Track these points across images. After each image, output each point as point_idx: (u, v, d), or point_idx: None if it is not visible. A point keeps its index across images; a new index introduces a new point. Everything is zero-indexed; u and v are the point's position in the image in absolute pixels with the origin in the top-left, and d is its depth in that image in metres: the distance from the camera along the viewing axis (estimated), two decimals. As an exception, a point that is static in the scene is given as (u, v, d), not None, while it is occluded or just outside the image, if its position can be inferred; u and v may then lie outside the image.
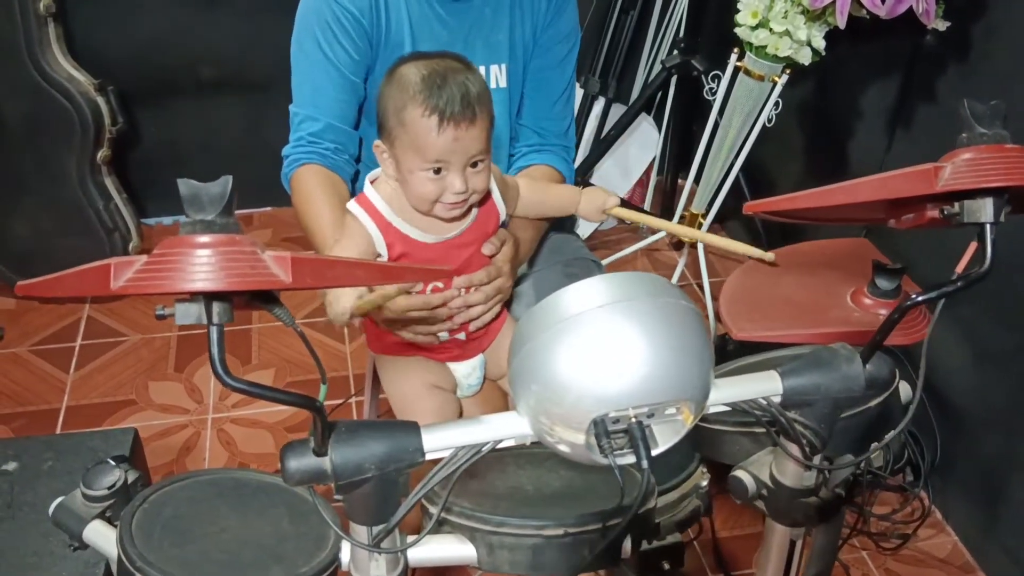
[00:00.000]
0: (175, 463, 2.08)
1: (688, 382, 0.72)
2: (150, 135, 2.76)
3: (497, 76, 1.61)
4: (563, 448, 0.74)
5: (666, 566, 1.06)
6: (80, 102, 2.36)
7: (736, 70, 2.14)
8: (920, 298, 0.78)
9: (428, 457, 0.75)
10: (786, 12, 1.96)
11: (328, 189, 1.52)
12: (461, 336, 1.43)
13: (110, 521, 1.02)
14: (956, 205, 0.77)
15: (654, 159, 2.86)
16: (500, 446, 0.77)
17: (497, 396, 1.55)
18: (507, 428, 0.76)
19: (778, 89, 2.09)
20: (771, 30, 2.00)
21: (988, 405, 1.85)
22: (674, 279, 2.61)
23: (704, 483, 1.06)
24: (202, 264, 0.60)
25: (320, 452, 0.72)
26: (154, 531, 0.99)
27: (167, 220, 2.94)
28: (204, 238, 0.61)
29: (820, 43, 1.99)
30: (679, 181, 2.85)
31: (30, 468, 1.34)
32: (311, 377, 2.34)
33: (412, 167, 1.24)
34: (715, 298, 2.41)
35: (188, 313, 0.62)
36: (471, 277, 1.36)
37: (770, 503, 0.90)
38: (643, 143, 2.85)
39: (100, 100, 2.40)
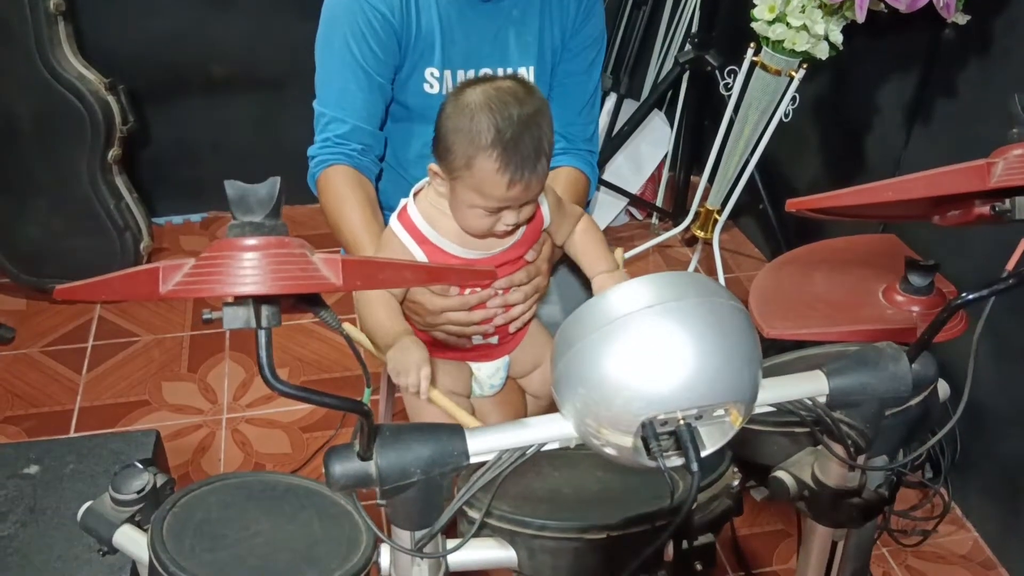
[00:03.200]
0: (190, 464, 2.07)
1: (738, 384, 0.70)
2: (160, 134, 2.75)
3: (526, 78, 1.59)
4: (610, 451, 0.73)
5: (698, 567, 1.05)
6: (91, 101, 2.34)
7: (752, 65, 2.13)
8: (971, 296, 0.77)
9: (472, 460, 0.73)
10: (803, 6, 1.95)
11: (356, 190, 1.51)
12: (494, 340, 1.42)
13: (139, 525, 1.01)
14: (1008, 202, 0.76)
15: (666, 155, 2.85)
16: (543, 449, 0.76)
17: (516, 396, 1.54)
18: (552, 431, 0.75)
19: (795, 84, 2.08)
20: (788, 24, 1.99)
21: (1009, 401, 1.84)
22: (687, 276, 2.60)
23: (735, 483, 1.05)
24: (252, 267, 0.58)
25: (365, 456, 0.70)
26: (185, 536, 0.98)
27: (177, 219, 2.93)
28: (253, 240, 0.60)
29: (838, 37, 1.97)
30: (692, 177, 2.84)
31: (52, 471, 1.33)
32: (325, 376, 2.33)
33: (471, 204, 1.23)
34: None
35: (236, 317, 0.61)
36: (511, 278, 1.36)
37: (812, 504, 0.89)
38: (655, 139, 2.84)
39: (111, 99, 2.39)
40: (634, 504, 0.85)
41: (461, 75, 1.53)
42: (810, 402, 0.80)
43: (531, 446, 0.75)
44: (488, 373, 1.46)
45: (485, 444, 0.73)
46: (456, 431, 0.73)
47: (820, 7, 1.93)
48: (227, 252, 0.59)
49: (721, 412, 0.72)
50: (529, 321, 1.44)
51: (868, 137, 2.22)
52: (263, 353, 0.62)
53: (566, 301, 1.64)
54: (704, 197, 2.36)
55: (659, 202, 2.92)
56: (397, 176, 1.65)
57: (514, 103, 1.19)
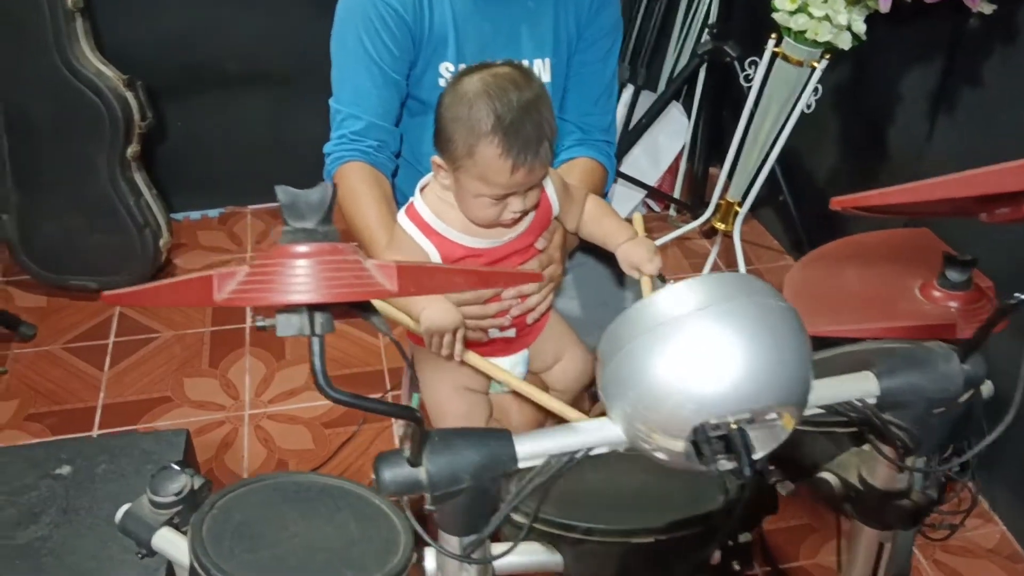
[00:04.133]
0: (214, 460, 2.07)
1: (791, 386, 0.70)
2: (177, 130, 2.75)
3: (541, 70, 1.58)
4: (660, 455, 0.72)
5: (736, 567, 1.04)
6: (109, 98, 2.34)
7: (773, 56, 2.11)
8: (1030, 296, 0.76)
9: (521, 465, 0.73)
10: (827, -4, 1.93)
11: (373, 186, 1.51)
12: (511, 333, 1.41)
13: (178, 528, 1.01)
14: (1062, 200, 0.75)
15: (684, 147, 2.83)
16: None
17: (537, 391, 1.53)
18: (601, 435, 0.74)
19: (817, 74, 2.06)
20: (810, 15, 1.97)
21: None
22: (706, 268, 2.59)
23: (771, 481, 1.04)
24: (306, 275, 0.58)
25: (415, 462, 0.70)
26: (225, 538, 0.98)
27: (195, 215, 2.93)
28: (305, 247, 0.59)
29: (861, 27, 1.95)
30: (710, 169, 2.83)
31: (84, 471, 1.33)
32: (345, 372, 2.32)
33: (476, 193, 1.22)
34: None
35: (290, 324, 0.61)
36: (525, 268, 1.35)
37: (859, 506, 0.88)
38: (672, 131, 2.82)
39: (129, 95, 2.38)
40: (678, 506, 0.85)
41: None
42: (860, 403, 0.79)
43: (580, 451, 0.74)
44: (507, 367, 1.45)
45: (534, 449, 0.73)
46: (504, 437, 0.73)
47: (843, -3, 1.92)
48: (281, 259, 0.59)
49: (773, 415, 0.71)
50: (547, 312, 1.44)
51: (891, 128, 2.20)
52: (317, 361, 0.62)
53: (584, 294, 1.63)
54: (724, 190, 2.35)
55: (677, 194, 2.90)
56: (413, 171, 1.65)
57: (512, 88, 1.18)
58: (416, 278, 0.61)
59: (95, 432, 2.13)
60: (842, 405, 0.79)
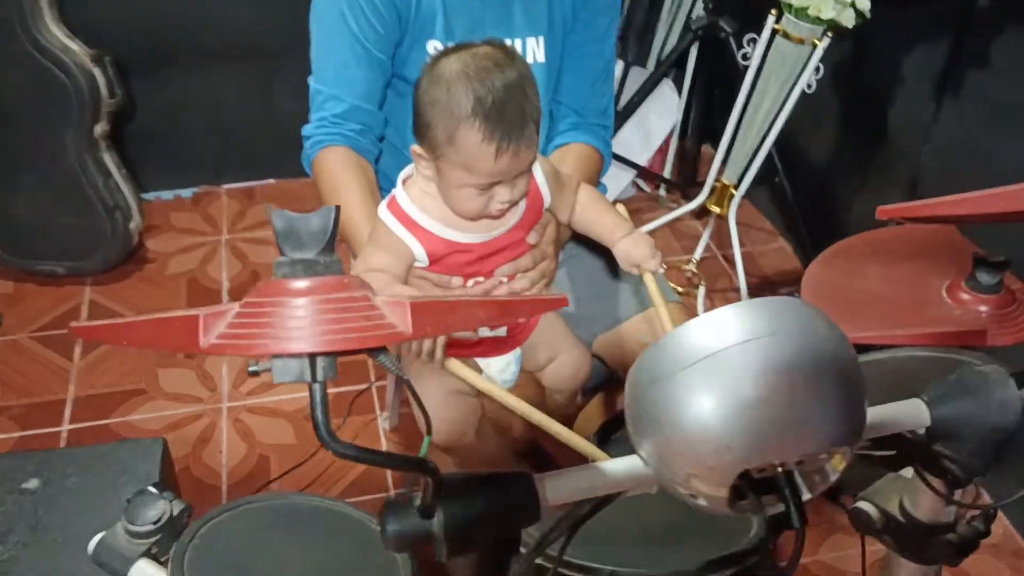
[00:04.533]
0: (191, 456, 1.98)
1: (846, 425, 0.63)
2: (148, 106, 2.62)
3: (535, 50, 1.50)
4: (700, 502, 0.65)
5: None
6: (76, 74, 2.22)
7: (773, 33, 2.03)
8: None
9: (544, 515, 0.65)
10: (831, -28, 1.85)
11: (356, 173, 1.43)
12: (501, 332, 1.34)
13: (157, 558, 0.93)
14: None
15: (675, 126, 2.75)
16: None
17: (532, 391, 1.46)
18: (630, 478, 0.67)
19: (818, 53, 1.98)
20: (813, -9, 1.89)
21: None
22: (698, 251, 2.52)
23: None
24: (307, 317, 0.50)
25: (427, 513, 0.62)
26: (209, 569, 0.91)
27: (167, 195, 2.81)
28: (306, 283, 0.51)
29: (865, 4, 1.88)
30: (703, 148, 2.75)
31: (53, 485, 1.24)
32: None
33: (459, 183, 1.15)
34: (747, 272, 2.33)
35: (287, 370, 0.52)
36: (516, 264, 1.28)
37: (900, 538, 0.81)
38: (663, 109, 2.74)
39: (96, 71, 2.26)
40: (706, 544, 0.78)
41: None
42: (910, 435, 0.72)
43: (608, 496, 0.67)
44: (499, 368, 1.38)
45: (559, 494, 0.65)
46: (525, 481, 0.65)
47: (848, -28, 1.84)
48: (277, 298, 0.51)
49: (824, 455, 0.64)
50: None
51: (894, 109, 2.13)
52: (318, 410, 0.54)
53: (577, 287, 1.56)
54: (720, 172, 2.27)
55: (667, 174, 2.82)
56: (399, 155, 1.56)
57: (494, 68, 1.12)
58: (433, 316, 0.53)
59: (65, 427, 2.04)
60: (891, 437, 0.72)
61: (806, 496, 0.65)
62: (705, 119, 2.69)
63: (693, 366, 0.62)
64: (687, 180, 2.74)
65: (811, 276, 1.19)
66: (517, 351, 1.38)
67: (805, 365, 0.61)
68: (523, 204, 1.24)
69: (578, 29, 1.52)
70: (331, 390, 2.12)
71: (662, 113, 2.72)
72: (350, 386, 2.13)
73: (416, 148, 1.18)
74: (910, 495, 0.80)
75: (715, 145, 2.79)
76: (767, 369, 0.60)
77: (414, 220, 1.20)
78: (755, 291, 2.35)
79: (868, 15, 1.88)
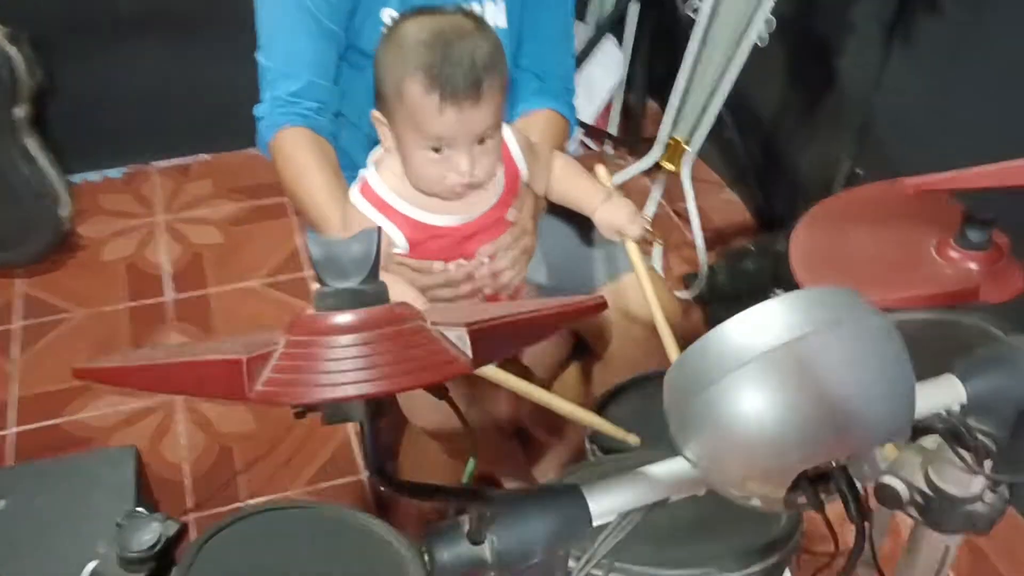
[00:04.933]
0: (150, 452, 1.90)
1: (902, 418, 0.61)
2: (68, 84, 2.46)
3: (495, 15, 1.44)
4: (755, 502, 0.63)
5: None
6: (-10, 55, 2.08)
7: (722, -15, 2.00)
8: None
9: (595, 524, 0.62)
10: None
11: (318, 155, 1.36)
12: None
13: (154, 586, 0.88)
14: None
15: (620, 81, 2.71)
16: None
17: (513, 370, 1.43)
18: (679, 483, 0.64)
19: (769, 3, 1.96)
20: (763, -59, 1.87)
21: None
22: (650, 207, 2.50)
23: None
24: (364, 357, 0.45)
25: (477, 539, 0.58)
26: (214, 594, 0.86)
27: (94, 176, 2.68)
28: (355, 316, 0.46)
29: (814, -46, 1.86)
30: (647, 103, 2.72)
31: (20, 505, 1.16)
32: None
33: (412, 146, 1.11)
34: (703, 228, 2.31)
35: (338, 411, 0.48)
36: (496, 243, 1.24)
37: (927, 511, 0.81)
38: (606, 64, 2.69)
39: (12, 51, 2.12)
40: (739, 533, 0.76)
41: None
42: (946, 413, 0.71)
43: (657, 503, 0.64)
44: None
45: (609, 506, 0.62)
46: (575, 495, 0.62)
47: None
48: (325, 336, 0.46)
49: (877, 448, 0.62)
50: (520, 288, 1.33)
51: (844, 58, 2.12)
52: (370, 446, 0.49)
53: (551, 259, 1.53)
54: (672, 129, 2.24)
55: (613, 130, 2.79)
56: (357, 131, 1.49)
57: (448, 25, 1.08)
58: (493, 338, 0.49)
59: (12, 430, 1.94)
60: (930, 418, 0.71)
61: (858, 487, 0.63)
62: (652, 74, 2.65)
63: (745, 367, 0.59)
64: (634, 136, 2.71)
65: (798, 240, 1.17)
66: None
67: (866, 358, 0.58)
68: (502, 181, 1.20)
69: None
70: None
71: (606, 69, 2.67)
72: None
73: (375, 112, 1.15)
74: (935, 466, 0.79)
75: (660, 100, 2.77)
76: (831, 366, 0.58)
77: (389, 204, 1.15)
78: (709, 244, 2.34)
79: (817, -36, 1.86)
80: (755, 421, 0.58)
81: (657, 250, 2.43)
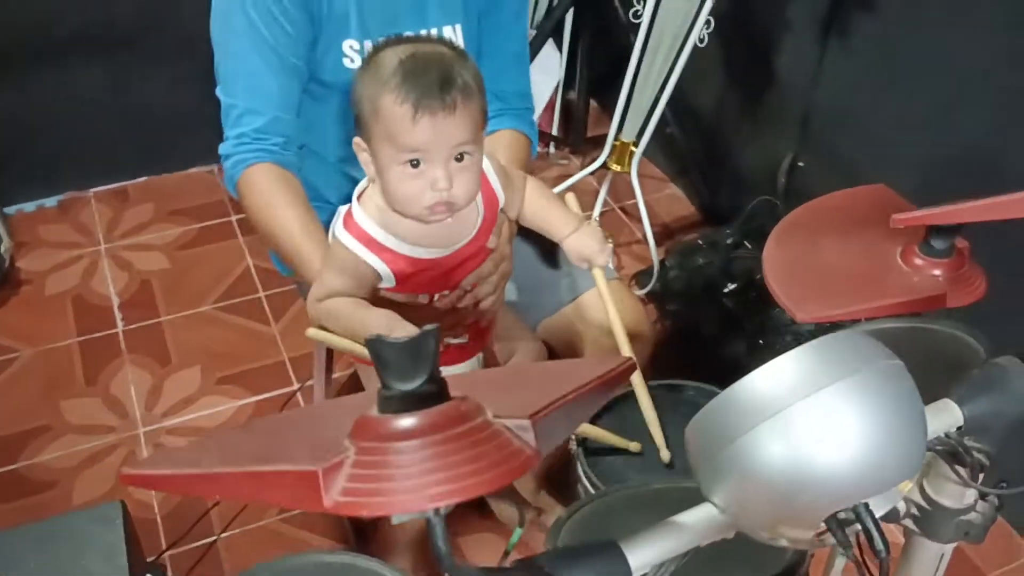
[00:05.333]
0: (116, 491, 1.86)
1: (919, 452, 0.64)
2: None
3: (453, 39, 1.45)
4: (782, 543, 0.65)
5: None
6: (-85, 91, 2.00)
7: (662, -10, 2.03)
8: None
9: (634, 577, 0.65)
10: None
11: (287, 190, 1.36)
12: (464, 339, 1.32)
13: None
14: None
15: (558, 83, 2.73)
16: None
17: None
18: (711, 529, 0.66)
19: (708, 4, 2.00)
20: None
21: None
22: (597, 207, 2.53)
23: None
24: (434, 461, 0.46)
25: (526, 607, 0.60)
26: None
27: (29, 206, 2.59)
28: (422, 419, 0.47)
29: (750, -44, 1.90)
30: (589, 103, 2.74)
31: (12, 571, 1.13)
32: (241, 369, 2.13)
33: (389, 162, 1.11)
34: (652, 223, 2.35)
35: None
36: (479, 271, 1.26)
37: (923, 522, 0.85)
38: (546, 67, 2.71)
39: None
40: (754, 557, 0.79)
41: None
42: (945, 436, 0.75)
43: (689, 550, 0.66)
44: (461, 371, 1.37)
45: (646, 559, 0.64)
46: (614, 551, 0.63)
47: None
48: (396, 443, 0.47)
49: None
50: (496, 311, 1.36)
51: (782, 55, 2.17)
52: (440, 542, 0.50)
53: (520, 277, 1.55)
54: (619, 130, 2.27)
55: (554, 131, 2.82)
56: (320, 161, 1.50)
57: (427, 46, 1.11)
58: (550, 424, 0.50)
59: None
60: (930, 441, 0.75)
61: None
62: (592, 76, 2.67)
63: (770, 419, 0.61)
64: (577, 137, 2.74)
65: (770, 258, 1.20)
66: (479, 355, 1.37)
67: (884, 403, 0.62)
68: (482, 211, 1.21)
69: (492, 11, 1.48)
70: (259, 396, 2.04)
71: (545, 71, 2.69)
72: (277, 390, 2.07)
73: (356, 139, 1.15)
74: (931, 480, 0.84)
75: (600, 100, 2.80)
76: (853, 414, 0.61)
77: (374, 238, 1.16)
78: (657, 240, 2.38)
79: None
80: (782, 471, 0.61)
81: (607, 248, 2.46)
